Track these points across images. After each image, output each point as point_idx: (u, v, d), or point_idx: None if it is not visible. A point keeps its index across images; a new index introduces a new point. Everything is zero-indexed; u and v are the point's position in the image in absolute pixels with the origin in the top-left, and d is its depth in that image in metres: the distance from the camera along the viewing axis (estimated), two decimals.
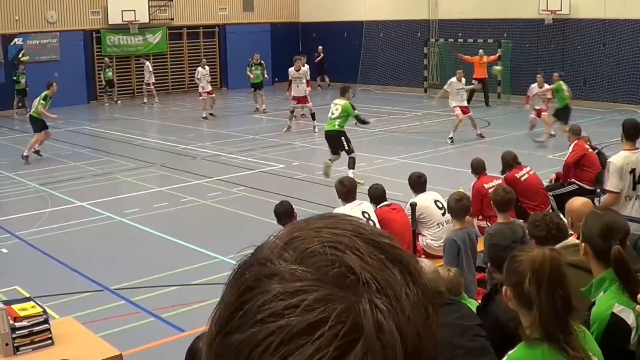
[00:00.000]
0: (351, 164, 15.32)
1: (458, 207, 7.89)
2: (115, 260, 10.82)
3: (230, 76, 33.00)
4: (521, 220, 8.52)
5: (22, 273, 10.22)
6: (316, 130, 21.44)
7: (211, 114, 25.17)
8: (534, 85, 20.13)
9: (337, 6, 33.91)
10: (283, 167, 17.09)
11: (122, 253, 11.25)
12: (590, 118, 22.44)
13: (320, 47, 32.79)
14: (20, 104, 27.96)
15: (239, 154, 18.75)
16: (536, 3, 26.68)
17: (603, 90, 25.67)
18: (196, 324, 7.68)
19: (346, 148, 15.47)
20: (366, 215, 8.76)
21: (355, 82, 29.74)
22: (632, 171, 8.01)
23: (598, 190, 11.08)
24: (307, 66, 22.91)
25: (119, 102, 30.47)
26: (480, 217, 9.93)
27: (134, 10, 30.59)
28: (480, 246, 8.11)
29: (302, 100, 21.98)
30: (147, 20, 31.33)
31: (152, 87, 30.27)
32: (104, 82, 30.22)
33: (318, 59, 32.70)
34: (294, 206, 8.66)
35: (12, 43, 28.35)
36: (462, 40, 28.62)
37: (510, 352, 3.39)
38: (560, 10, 26.19)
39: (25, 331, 5.55)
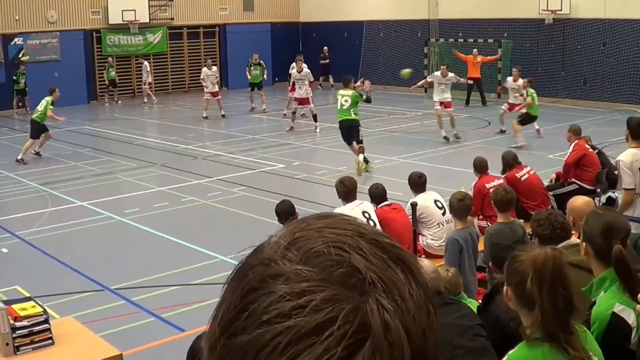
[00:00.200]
0: (362, 150, 16.28)
1: (460, 207, 7.88)
2: (116, 260, 10.82)
3: (230, 76, 33.00)
4: (521, 220, 8.52)
5: (22, 273, 10.22)
6: (318, 130, 21.45)
7: (223, 115, 25.13)
8: (510, 78, 20.25)
9: (338, 6, 33.91)
10: (283, 167, 17.08)
11: (123, 253, 11.25)
12: (590, 118, 22.45)
13: (325, 48, 32.72)
14: (20, 104, 27.99)
15: (239, 154, 18.75)
16: (536, 3, 26.68)
17: (603, 90, 25.67)
18: (196, 324, 7.68)
19: (360, 138, 16.36)
20: (366, 215, 8.75)
21: (355, 82, 29.67)
22: None
23: (598, 190, 11.08)
24: (304, 66, 22.87)
25: (119, 102, 30.47)
26: (481, 216, 9.93)
27: (134, 10, 30.59)
28: (480, 246, 8.11)
29: (303, 101, 21.97)
30: (148, 20, 31.33)
31: (148, 87, 30.26)
32: (107, 82, 30.23)
33: (325, 62, 32.59)
34: (294, 206, 8.66)
35: (12, 43, 28.35)
36: (462, 40, 28.62)
37: (510, 352, 3.39)
38: (561, 10, 26.19)
39: (25, 331, 5.55)
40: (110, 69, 30.03)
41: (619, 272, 3.81)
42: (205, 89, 25.26)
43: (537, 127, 18.79)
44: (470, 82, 26.02)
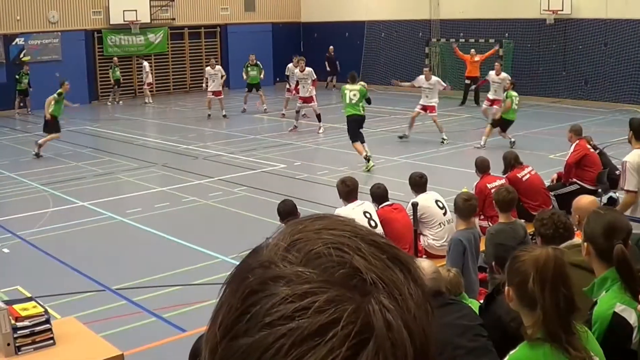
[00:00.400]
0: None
1: (466, 208, 7.85)
2: (117, 260, 10.82)
3: (231, 76, 32.92)
4: (522, 220, 8.52)
5: (23, 273, 10.22)
6: (321, 131, 21.44)
7: (224, 116, 25.17)
8: (492, 72, 20.26)
9: (339, 6, 33.91)
10: (285, 167, 17.08)
11: (124, 253, 11.25)
12: (591, 118, 22.45)
13: (331, 47, 32.68)
14: (21, 104, 27.98)
15: (240, 154, 18.75)
16: (538, 3, 26.68)
17: (604, 90, 25.67)
18: (198, 324, 7.68)
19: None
20: (368, 215, 8.74)
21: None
22: None
23: (600, 190, 11.08)
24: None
25: (120, 102, 30.47)
26: (482, 216, 9.92)
27: (136, 10, 30.61)
28: (481, 246, 8.10)
29: (308, 100, 21.98)
30: (149, 20, 31.35)
31: (148, 87, 30.28)
32: (112, 81, 30.24)
33: (331, 61, 32.56)
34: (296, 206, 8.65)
35: (13, 43, 28.37)
36: (463, 40, 28.61)
37: (512, 352, 3.39)
38: (562, 10, 26.18)
39: (26, 331, 5.55)
40: (116, 69, 30.07)
41: (620, 272, 3.81)
42: (208, 88, 25.35)
43: (511, 138, 18.20)
44: (468, 81, 26.04)
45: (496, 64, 20.96)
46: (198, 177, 16.15)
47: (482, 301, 5.31)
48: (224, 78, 25.96)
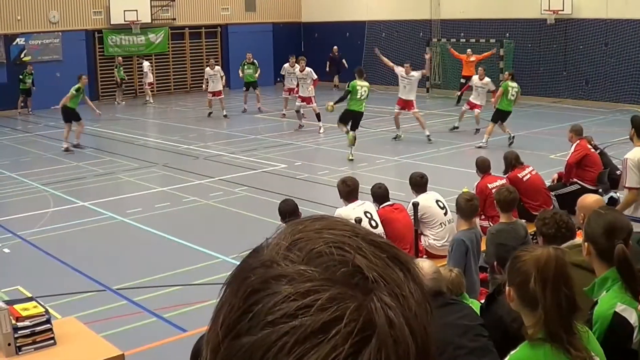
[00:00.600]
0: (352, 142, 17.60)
1: (468, 208, 7.84)
2: (118, 260, 10.82)
3: (232, 76, 32.96)
4: (523, 220, 8.51)
5: (24, 273, 10.22)
6: (322, 131, 21.44)
7: (225, 116, 25.19)
8: (475, 77, 20.35)
9: (339, 6, 33.91)
10: (285, 167, 17.08)
11: (124, 253, 11.25)
12: (592, 118, 22.45)
13: (335, 47, 32.65)
14: (22, 104, 27.97)
15: (241, 154, 18.75)
16: (538, 3, 26.68)
17: (605, 90, 25.66)
18: (198, 324, 7.69)
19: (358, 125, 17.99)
20: (368, 215, 8.73)
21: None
22: None
23: (600, 190, 11.07)
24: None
25: (122, 102, 30.41)
26: (483, 216, 9.92)
27: (136, 10, 30.61)
28: (482, 246, 8.10)
29: (307, 100, 22.00)
30: (149, 20, 31.35)
31: (148, 87, 30.29)
32: (118, 81, 30.22)
33: (337, 62, 32.53)
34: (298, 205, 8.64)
35: (14, 43, 28.37)
36: (464, 40, 28.61)
37: (512, 352, 3.38)
38: (563, 10, 26.18)
39: (27, 331, 5.55)
40: (120, 68, 30.10)
41: (621, 271, 3.81)
42: (207, 88, 25.41)
43: (510, 133, 18.43)
44: (463, 80, 26.05)
45: (480, 68, 21.08)
46: (199, 177, 16.15)
47: (483, 301, 5.31)
48: (224, 78, 26.00)
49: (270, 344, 0.79)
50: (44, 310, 5.74)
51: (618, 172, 10.62)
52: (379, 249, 0.89)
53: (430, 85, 30.58)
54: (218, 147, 20.08)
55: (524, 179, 10.46)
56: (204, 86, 26.22)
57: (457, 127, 20.83)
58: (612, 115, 23.23)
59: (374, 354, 0.79)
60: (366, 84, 17.94)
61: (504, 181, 10.05)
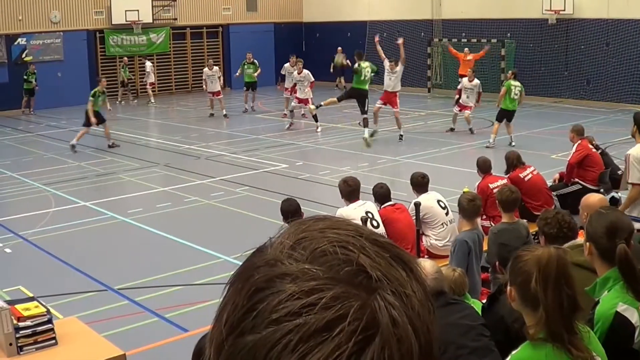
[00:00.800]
0: (365, 124, 19.07)
1: (471, 208, 7.83)
2: (119, 260, 10.83)
3: (233, 76, 33.03)
4: (525, 220, 8.51)
5: (25, 273, 10.23)
6: (319, 130, 21.47)
7: (225, 115, 25.22)
8: (465, 79, 20.40)
9: (341, 6, 33.90)
10: (287, 167, 17.08)
11: (126, 253, 11.25)
12: (593, 118, 22.45)
13: (340, 48, 32.59)
14: (26, 104, 27.88)
15: (242, 154, 18.75)
16: (539, 3, 26.67)
17: (606, 90, 25.65)
18: (200, 324, 7.69)
19: (366, 108, 19.09)
20: (370, 215, 8.72)
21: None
22: None
23: (602, 190, 11.07)
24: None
25: (122, 102, 30.43)
26: (484, 217, 9.91)
27: (138, 10, 30.62)
28: (484, 246, 8.09)
29: (304, 101, 22.05)
30: (151, 20, 31.36)
31: (150, 87, 30.31)
32: (125, 81, 30.22)
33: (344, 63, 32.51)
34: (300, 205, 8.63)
35: (15, 43, 28.37)
36: (465, 40, 28.60)
37: (514, 352, 3.38)
38: (564, 10, 26.17)
39: (28, 331, 5.55)
40: (127, 68, 30.11)
41: (623, 271, 3.80)
42: (207, 88, 25.46)
43: (512, 139, 18.49)
44: (460, 79, 26.03)
45: (469, 70, 21.08)
46: (200, 177, 16.15)
47: (484, 301, 5.31)
48: (221, 79, 26.12)
49: (274, 342, 0.79)
50: (45, 310, 5.74)
51: (620, 172, 10.63)
52: (383, 249, 0.89)
53: (432, 85, 30.58)
54: (219, 147, 20.09)
55: (526, 179, 10.46)
56: (203, 87, 26.26)
57: (453, 129, 20.83)
58: (614, 115, 23.23)
59: (378, 353, 0.79)
60: (368, 63, 19.22)
61: (505, 181, 10.05)
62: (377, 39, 21.65)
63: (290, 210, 8.17)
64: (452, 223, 9.18)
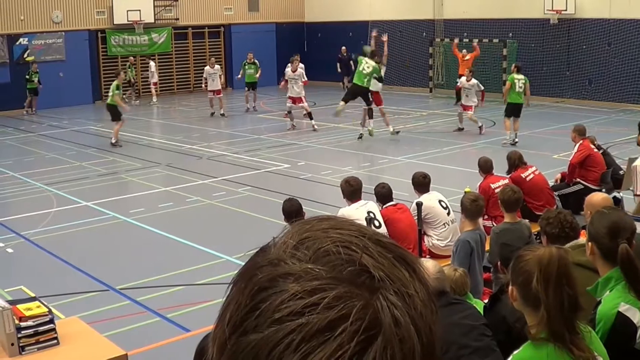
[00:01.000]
0: (370, 115, 19.71)
1: (473, 208, 7.83)
2: (121, 260, 10.83)
3: (235, 76, 33.05)
4: (527, 220, 8.51)
5: (27, 273, 10.23)
6: (316, 127, 21.49)
7: (222, 114, 25.26)
8: (463, 79, 20.45)
9: (342, 6, 33.91)
10: (288, 167, 17.08)
11: (128, 253, 11.26)
12: (595, 118, 22.44)
13: (344, 48, 32.60)
14: (29, 104, 27.87)
15: (244, 154, 18.76)
16: (541, 3, 26.67)
17: (608, 90, 25.65)
18: (201, 324, 7.69)
19: (369, 100, 19.57)
20: (371, 214, 8.72)
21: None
22: None
23: (603, 190, 11.07)
24: (302, 65, 22.85)
25: (137, 101, 30.30)
26: (486, 217, 9.91)
27: (139, 10, 30.65)
28: (486, 246, 8.09)
29: (297, 100, 21.96)
30: (153, 20, 31.39)
31: (153, 86, 30.33)
32: (132, 80, 30.21)
33: (345, 62, 32.45)
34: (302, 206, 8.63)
35: (17, 43, 28.39)
36: (467, 40, 28.58)
37: (515, 352, 3.38)
38: (566, 10, 26.18)
39: (30, 331, 5.55)
40: (133, 68, 30.14)
41: (625, 271, 3.80)
42: (207, 87, 25.50)
43: (515, 137, 18.59)
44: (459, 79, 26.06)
45: (466, 70, 21.14)
46: (202, 177, 16.16)
47: (486, 301, 5.31)
48: (222, 77, 26.17)
49: (277, 342, 0.80)
50: (47, 310, 5.74)
51: (621, 172, 10.63)
52: (385, 249, 0.89)
53: (434, 85, 30.58)
54: (221, 147, 20.09)
55: (527, 178, 10.45)
56: (203, 85, 26.28)
57: (462, 129, 20.79)
58: (615, 115, 23.22)
59: (380, 352, 0.79)
60: (372, 62, 19.10)
61: (506, 181, 10.04)
62: (374, 33, 21.87)
63: (292, 210, 8.15)
64: (454, 223, 9.18)
